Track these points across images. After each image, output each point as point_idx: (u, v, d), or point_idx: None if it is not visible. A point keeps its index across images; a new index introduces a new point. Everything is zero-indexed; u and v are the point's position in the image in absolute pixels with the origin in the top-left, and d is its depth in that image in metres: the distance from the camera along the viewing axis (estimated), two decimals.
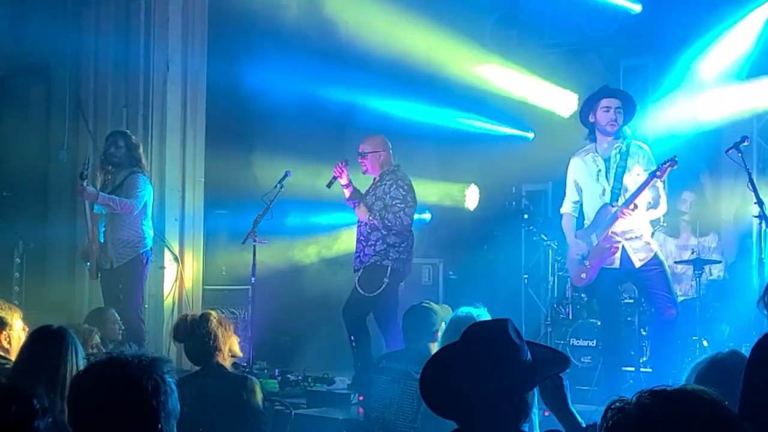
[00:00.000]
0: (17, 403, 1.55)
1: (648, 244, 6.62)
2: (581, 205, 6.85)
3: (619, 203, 6.49)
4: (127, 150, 7.79)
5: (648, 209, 6.56)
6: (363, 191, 7.66)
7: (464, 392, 2.76)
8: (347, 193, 7.60)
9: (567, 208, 6.94)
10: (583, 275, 6.70)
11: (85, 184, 7.49)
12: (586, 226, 6.77)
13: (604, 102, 6.55)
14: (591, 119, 6.65)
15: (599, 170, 6.62)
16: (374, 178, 7.64)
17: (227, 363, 4.84)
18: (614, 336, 6.84)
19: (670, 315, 6.43)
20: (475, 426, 2.79)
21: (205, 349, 4.78)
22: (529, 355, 2.85)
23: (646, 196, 6.48)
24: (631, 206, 6.39)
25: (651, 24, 9.03)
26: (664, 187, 6.80)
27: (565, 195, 6.98)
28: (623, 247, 6.55)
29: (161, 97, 9.10)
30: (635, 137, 6.79)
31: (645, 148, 6.65)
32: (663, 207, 6.67)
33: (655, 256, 6.58)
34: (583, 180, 6.76)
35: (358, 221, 7.61)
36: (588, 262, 6.67)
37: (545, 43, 9.93)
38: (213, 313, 4.91)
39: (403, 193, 7.43)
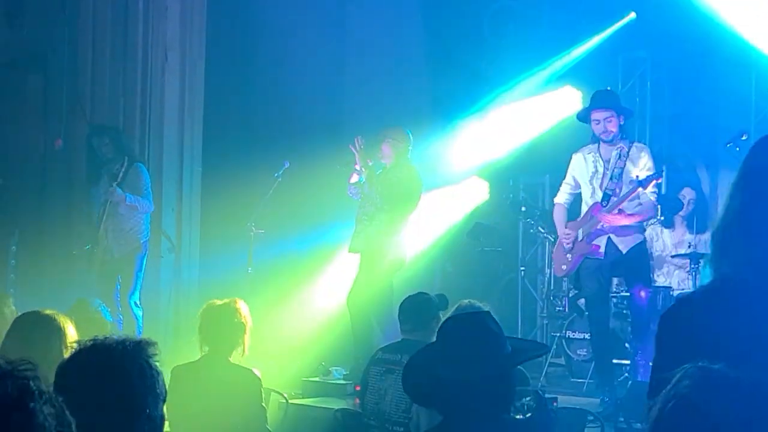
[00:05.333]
0: (13, 383, 1.53)
1: (636, 234, 6.78)
2: (577, 199, 7.02)
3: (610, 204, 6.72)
4: (113, 142, 7.82)
5: (630, 213, 6.68)
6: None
7: (446, 381, 2.79)
8: (354, 178, 7.61)
9: (561, 198, 7.13)
10: (564, 267, 6.97)
11: (115, 186, 7.54)
12: (577, 219, 6.94)
13: (594, 115, 6.77)
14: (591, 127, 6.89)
15: (595, 171, 6.80)
16: (385, 166, 7.62)
17: (232, 356, 4.85)
18: (601, 329, 6.90)
19: (640, 298, 6.67)
20: (459, 415, 2.81)
21: (231, 338, 4.78)
22: (509, 346, 2.90)
23: (632, 201, 6.67)
24: (615, 211, 6.61)
25: (649, 17, 9.02)
26: (660, 187, 6.87)
27: (561, 185, 7.15)
28: (609, 237, 6.71)
29: (159, 87, 9.08)
30: (632, 136, 6.87)
31: (646, 150, 6.80)
32: (647, 212, 6.82)
33: (641, 244, 6.84)
34: (581, 178, 6.95)
35: (362, 203, 7.59)
36: (570, 255, 6.90)
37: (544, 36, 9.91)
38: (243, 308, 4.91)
39: (413, 176, 7.45)
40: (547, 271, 9.02)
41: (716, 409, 1.70)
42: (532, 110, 9.42)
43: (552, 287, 8.86)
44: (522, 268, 9.50)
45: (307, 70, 9.80)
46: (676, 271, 8.25)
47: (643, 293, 6.68)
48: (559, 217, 7.10)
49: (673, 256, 8.22)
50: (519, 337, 7.87)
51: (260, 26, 9.66)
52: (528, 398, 2.91)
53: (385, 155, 7.59)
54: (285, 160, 8.05)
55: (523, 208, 9.16)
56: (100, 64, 9.43)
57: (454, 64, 9.83)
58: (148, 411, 2.32)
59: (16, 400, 1.51)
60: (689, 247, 8.13)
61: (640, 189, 6.56)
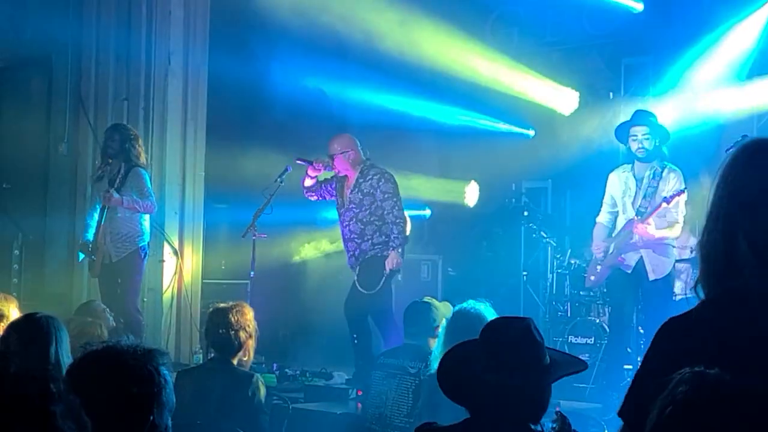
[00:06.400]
0: (34, 384, 1.56)
1: (667, 261, 6.97)
2: (617, 217, 7.22)
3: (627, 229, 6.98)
4: (120, 142, 7.81)
5: (661, 228, 6.89)
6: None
7: (484, 383, 2.80)
8: (309, 182, 7.65)
9: (601, 217, 7.32)
10: (592, 277, 7.29)
11: (112, 191, 7.53)
12: (613, 235, 7.16)
13: (632, 131, 6.97)
14: (627, 144, 7.07)
15: (627, 189, 7.04)
16: (347, 177, 7.57)
17: (236, 360, 4.87)
18: (617, 338, 7.04)
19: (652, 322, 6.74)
20: (489, 417, 2.82)
21: (235, 342, 4.80)
22: (548, 357, 2.91)
23: (662, 216, 6.86)
24: (646, 222, 6.81)
25: (652, 22, 9.02)
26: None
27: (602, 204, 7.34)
28: (642, 257, 6.92)
29: (162, 90, 9.08)
30: (665, 156, 6.97)
31: (677, 173, 6.99)
32: (677, 230, 7.02)
33: (668, 277, 7.01)
34: (616, 195, 7.16)
35: (344, 222, 7.59)
36: (599, 267, 7.17)
37: (546, 41, 9.93)
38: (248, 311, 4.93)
39: (392, 186, 7.45)
40: (550, 275, 9.02)
41: (714, 415, 1.71)
42: None
43: (554, 292, 8.86)
44: (524, 273, 9.50)
45: (308, 73, 9.83)
46: (682, 275, 8.27)
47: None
48: (596, 233, 7.30)
49: (676, 261, 8.23)
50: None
51: (263, 30, 9.67)
52: (554, 423, 2.92)
53: (342, 169, 7.53)
54: (287, 164, 8.04)
55: (526, 213, 9.17)
56: (103, 67, 9.44)
57: None
58: (152, 418, 2.32)
59: (37, 402, 1.52)
60: (691, 252, 8.14)
61: (664, 204, 6.77)
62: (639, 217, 6.90)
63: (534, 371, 2.82)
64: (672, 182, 6.90)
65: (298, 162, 7.70)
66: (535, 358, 2.85)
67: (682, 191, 6.79)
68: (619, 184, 7.11)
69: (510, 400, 2.79)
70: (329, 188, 7.70)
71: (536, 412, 2.85)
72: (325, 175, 7.71)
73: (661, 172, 6.94)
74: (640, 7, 9.03)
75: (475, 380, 2.82)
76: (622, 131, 7.05)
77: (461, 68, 9.64)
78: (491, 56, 9.75)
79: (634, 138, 6.92)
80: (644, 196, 6.93)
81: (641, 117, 7.05)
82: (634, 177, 7.02)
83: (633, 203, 6.99)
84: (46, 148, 9.87)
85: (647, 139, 6.89)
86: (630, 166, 7.09)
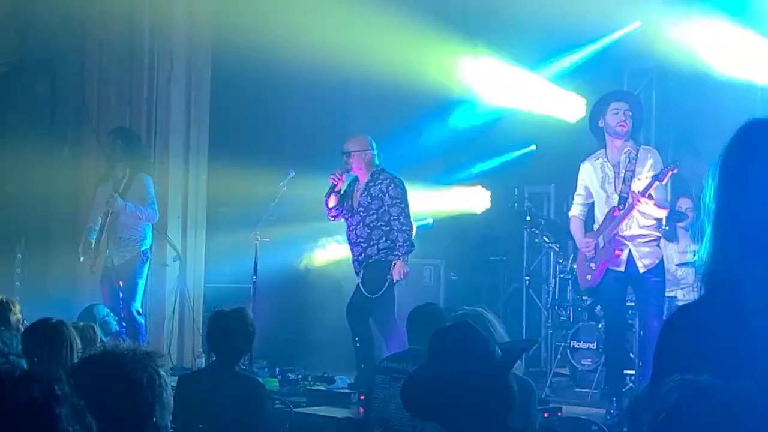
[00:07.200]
0: (39, 387, 1.57)
1: (655, 250, 6.76)
2: (590, 209, 6.97)
3: (626, 207, 6.64)
4: (123, 146, 7.83)
5: (657, 205, 6.64)
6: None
7: (444, 397, 2.81)
8: (334, 201, 7.59)
9: (575, 211, 7.05)
10: (588, 277, 6.86)
11: (116, 196, 7.55)
12: (594, 229, 6.88)
13: (614, 105, 6.74)
14: (600, 124, 6.81)
15: (605, 176, 6.78)
16: (358, 178, 7.59)
17: (237, 365, 4.88)
18: (617, 340, 6.90)
19: (651, 326, 6.56)
20: (463, 426, 2.82)
21: (238, 347, 4.81)
22: (498, 350, 2.94)
23: (654, 196, 6.57)
24: (647, 195, 6.48)
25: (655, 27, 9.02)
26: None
27: (573, 199, 7.10)
28: (630, 251, 6.67)
29: (165, 95, 9.10)
30: (639, 141, 6.88)
31: (653, 152, 6.81)
32: (667, 205, 6.85)
33: (659, 265, 6.74)
34: (593, 185, 6.90)
35: (351, 226, 7.58)
36: (593, 264, 6.81)
37: (549, 46, 9.92)
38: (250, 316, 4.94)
39: (401, 192, 7.46)
40: (552, 280, 9.02)
41: (704, 419, 1.74)
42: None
43: (557, 297, 8.85)
44: (526, 278, 9.50)
45: (313, 78, 9.82)
46: (682, 282, 8.26)
47: (655, 323, 6.56)
48: (576, 228, 7.02)
49: (678, 265, 8.24)
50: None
51: (266, 34, 9.67)
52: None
53: (355, 168, 7.55)
54: (291, 168, 8.06)
55: (528, 218, 9.16)
56: (106, 72, 9.46)
57: None
58: (155, 420, 2.34)
59: (42, 404, 1.54)
60: (694, 255, 8.13)
61: (657, 183, 6.52)
62: (622, 205, 6.62)
63: (486, 368, 2.84)
64: (649, 162, 6.65)
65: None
66: (485, 355, 2.88)
67: (674, 167, 6.54)
68: (595, 173, 6.82)
69: (472, 405, 2.79)
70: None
71: (506, 402, 2.87)
72: (346, 181, 7.67)
73: (636, 153, 6.68)
74: (638, 24, 9.05)
75: (435, 397, 2.83)
76: (601, 107, 6.80)
77: (464, 72, 9.64)
78: (494, 61, 9.75)
79: (616, 112, 6.68)
80: (624, 181, 6.65)
81: (624, 93, 6.89)
82: (610, 162, 6.75)
83: (615, 189, 6.71)
84: (49, 151, 9.88)
85: (630, 116, 6.68)
86: (603, 152, 6.82)
